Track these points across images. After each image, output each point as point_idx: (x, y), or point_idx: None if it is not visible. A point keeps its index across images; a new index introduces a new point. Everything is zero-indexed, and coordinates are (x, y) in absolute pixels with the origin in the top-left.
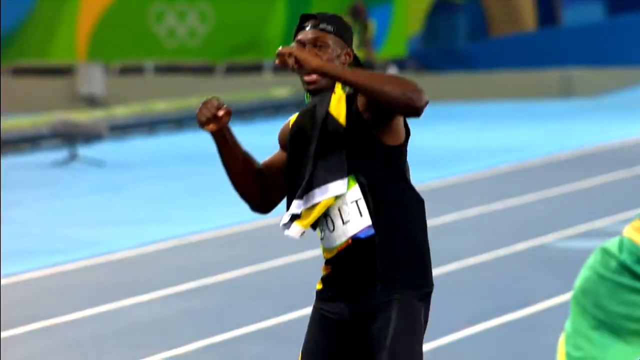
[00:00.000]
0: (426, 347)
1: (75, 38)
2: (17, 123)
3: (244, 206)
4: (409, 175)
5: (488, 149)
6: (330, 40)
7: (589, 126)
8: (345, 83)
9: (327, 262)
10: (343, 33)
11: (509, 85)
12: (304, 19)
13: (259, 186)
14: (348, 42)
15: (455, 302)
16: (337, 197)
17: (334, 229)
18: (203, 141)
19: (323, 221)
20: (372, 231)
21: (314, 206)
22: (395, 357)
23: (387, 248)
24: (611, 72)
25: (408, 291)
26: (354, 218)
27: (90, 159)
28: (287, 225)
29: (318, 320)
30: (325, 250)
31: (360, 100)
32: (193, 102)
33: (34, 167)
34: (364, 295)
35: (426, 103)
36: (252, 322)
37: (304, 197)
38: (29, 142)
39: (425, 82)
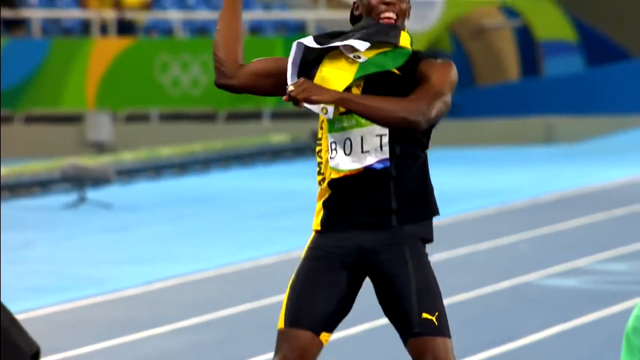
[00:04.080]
0: None
1: (84, 88)
2: (29, 168)
3: (244, 245)
4: (430, 132)
5: (476, 191)
6: None
7: (570, 171)
8: (356, 110)
9: (330, 184)
10: None
11: (495, 132)
12: None
13: (239, 60)
14: None
15: None
16: (363, 125)
17: (350, 153)
18: (205, 184)
19: (340, 140)
20: (387, 164)
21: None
22: (424, 298)
23: (402, 184)
24: (591, 120)
25: (418, 228)
26: (374, 150)
27: (98, 202)
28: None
29: (316, 257)
30: (332, 169)
31: (421, 67)
32: (196, 148)
33: (45, 209)
34: (377, 227)
35: (427, 117)
36: (254, 356)
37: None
38: (41, 185)
39: None
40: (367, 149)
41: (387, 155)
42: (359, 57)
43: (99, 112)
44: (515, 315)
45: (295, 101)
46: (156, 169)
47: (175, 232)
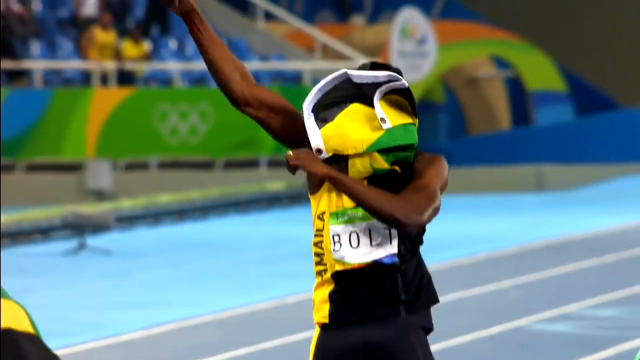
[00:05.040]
0: None
1: (85, 137)
2: (30, 215)
3: (241, 290)
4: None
5: (467, 238)
6: None
7: (560, 218)
8: (345, 192)
9: (334, 276)
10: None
11: (487, 180)
12: (375, 66)
13: (241, 75)
14: None
15: None
16: (370, 218)
17: (358, 246)
18: (203, 231)
19: (345, 233)
20: (395, 259)
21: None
22: None
23: (407, 276)
24: (580, 169)
25: (421, 318)
26: (384, 243)
27: (98, 248)
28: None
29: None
30: (336, 261)
31: (417, 164)
32: (194, 195)
33: (46, 256)
34: (385, 318)
35: (418, 223)
36: None
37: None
38: (42, 232)
39: None
40: (376, 243)
41: (395, 250)
42: (385, 122)
43: (99, 161)
44: None
45: (289, 167)
46: (155, 216)
47: (173, 277)
